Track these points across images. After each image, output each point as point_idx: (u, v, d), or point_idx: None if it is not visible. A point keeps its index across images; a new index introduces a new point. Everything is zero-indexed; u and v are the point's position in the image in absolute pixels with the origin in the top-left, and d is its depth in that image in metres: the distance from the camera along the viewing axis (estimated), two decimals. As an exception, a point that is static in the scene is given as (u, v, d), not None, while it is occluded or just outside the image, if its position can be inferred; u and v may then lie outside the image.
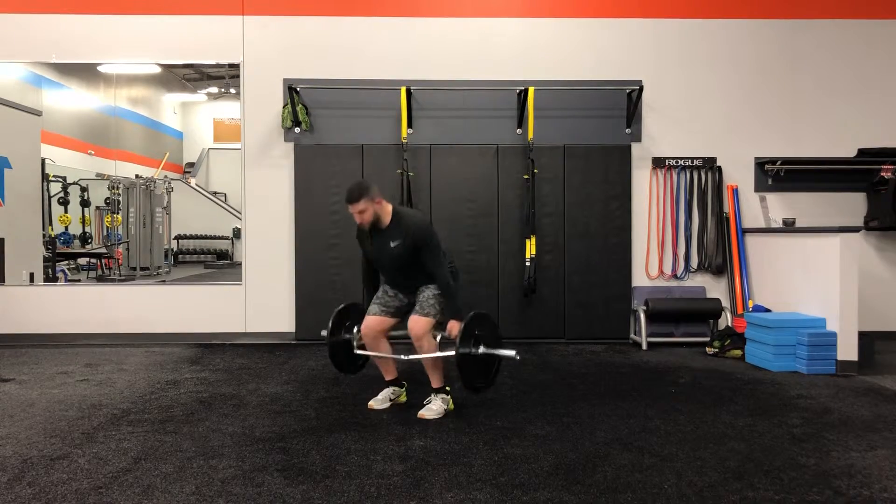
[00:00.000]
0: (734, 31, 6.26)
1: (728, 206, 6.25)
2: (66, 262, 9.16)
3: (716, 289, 6.22)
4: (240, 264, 6.30)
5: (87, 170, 11.23)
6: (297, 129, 6.06)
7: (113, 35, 6.12)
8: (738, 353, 5.39)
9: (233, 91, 14.45)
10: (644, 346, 5.77)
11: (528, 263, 5.93)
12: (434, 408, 3.76)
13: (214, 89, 15.51)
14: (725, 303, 6.10)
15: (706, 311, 5.98)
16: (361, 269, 4.11)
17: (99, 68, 11.38)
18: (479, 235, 6.06)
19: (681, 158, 6.23)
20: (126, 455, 3.11)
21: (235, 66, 6.21)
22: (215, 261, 13.27)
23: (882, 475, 2.91)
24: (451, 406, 3.85)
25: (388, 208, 3.79)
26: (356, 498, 2.64)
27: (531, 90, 5.91)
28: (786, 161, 6.15)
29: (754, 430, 3.51)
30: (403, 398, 4.02)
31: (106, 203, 10.84)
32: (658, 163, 6.23)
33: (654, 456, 3.11)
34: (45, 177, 8.28)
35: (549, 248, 6.08)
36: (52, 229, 9.32)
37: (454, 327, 3.66)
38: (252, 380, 4.61)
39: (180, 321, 6.10)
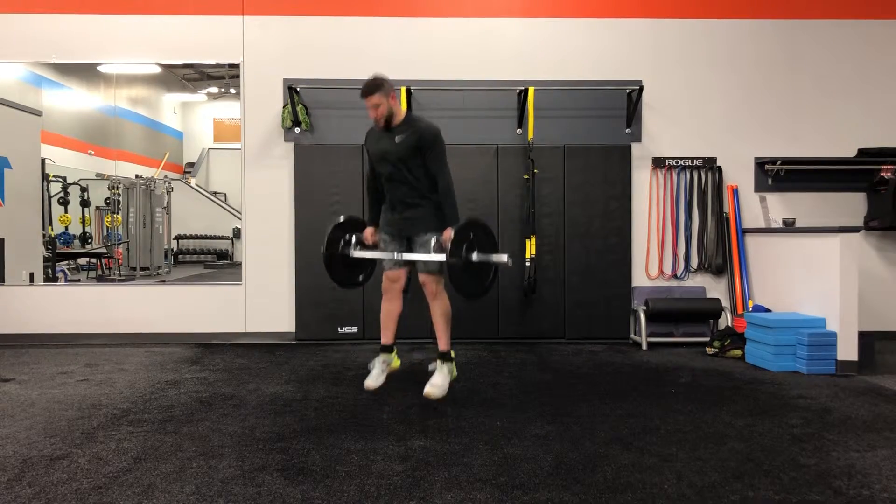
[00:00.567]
0: (734, 31, 6.26)
1: (728, 206, 6.25)
2: (66, 262, 9.16)
3: (716, 289, 6.23)
4: (240, 264, 6.30)
5: (87, 170, 11.24)
6: (297, 129, 6.06)
7: (113, 35, 6.12)
8: (738, 353, 5.39)
9: (233, 91, 14.46)
10: (644, 346, 5.77)
11: (528, 263, 5.94)
12: (438, 382, 3.77)
13: (214, 89, 15.52)
14: (725, 303, 6.10)
15: (706, 311, 5.98)
16: (364, 184, 4.10)
17: (99, 68, 11.39)
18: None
19: (681, 158, 6.24)
20: (126, 455, 3.11)
21: (235, 66, 6.21)
22: (215, 261, 13.28)
23: (882, 475, 2.91)
24: (455, 374, 3.88)
25: (402, 109, 3.86)
26: (356, 498, 2.64)
27: (531, 90, 5.91)
28: (786, 161, 6.16)
29: (754, 430, 3.51)
30: (396, 363, 4.08)
31: (106, 203, 10.85)
32: (658, 163, 6.23)
33: (654, 456, 3.11)
34: (45, 177, 8.28)
35: (549, 248, 6.08)
36: (52, 229, 9.32)
37: (448, 232, 3.64)
38: (252, 380, 4.61)
39: (180, 321, 6.10)
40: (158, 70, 12.82)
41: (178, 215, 12.59)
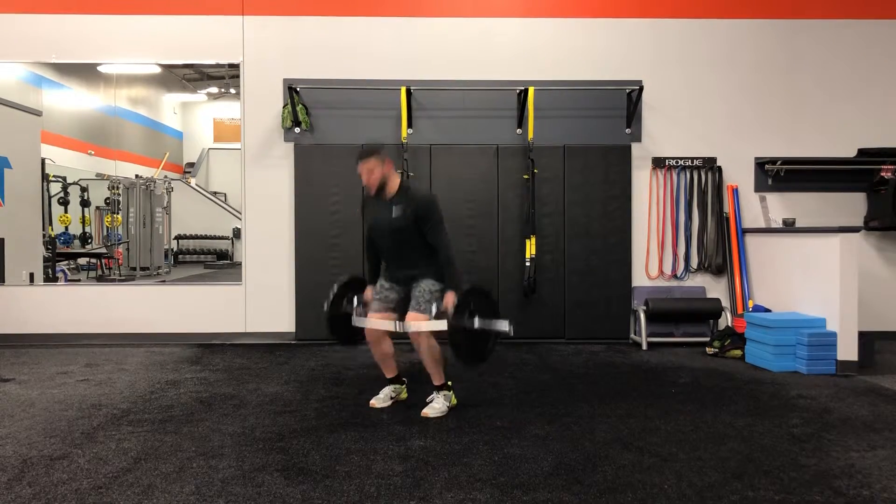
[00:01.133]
0: (734, 31, 6.26)
1: (728, 206, 6.25)
2: (66, 262, 9.17)
3: (716, 289, 6.23)
4: (240, 264, 6.30)
5: (87, 170, 11.25)
6: (297, 129, 6.06)
7: (113, 35, 6.12)
8: (738, 353, 5.39)
9: (233, 91, 14.49)
10: (644, 346, 5.77)
11: (527, 263, 5.94)
12: (436, 406, 3.76)
13: (214, 89, 15.54)
14: (725, 303, 6.10)
15: (706, 311, 5.98)
16: (364, 246, 4.07)
17: (99, 68, 11.41)
18: (479, 235, 6.05)
19: (681, 158, 6.23)
20: (126, 455, 3.11)
21: (235, 66, 6.21)
22: (215, 261, 13.29)
23: (882, 475, 2.91)
24: (454, 401, 3.85)
25: (396, 178, 3.82)
26: (356, 498, 2.64)
27: (531, 90, 5.91)
28: (786, 161, 6.16)
29: (754, 430, 3.51)
30: (404, 395, 4.03)
31: (106, 203, 10.85)
32: (658, 163, 6.23)
33: (654, 456, 3.11)
34: (45, 177, 8.29)
35: (549, 248, 6.08)
36: (52, 229, 9.33)
37: (450, 298, 3.62)
38: (252, 380, 4.61)
39: (180, 321, 6.10)
40: (158, 70, 12.85)
41: (178, 215, 12.60)
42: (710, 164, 6.24)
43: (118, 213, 10.74)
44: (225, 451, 3.15)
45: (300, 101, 6.03)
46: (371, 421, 3.64)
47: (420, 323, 3.66)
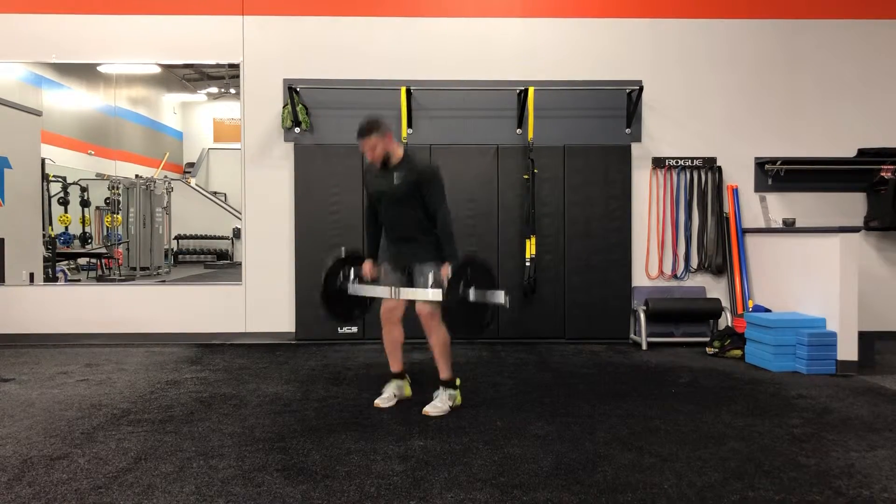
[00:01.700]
0: (734, 31, 6.26)
1: (728, 206, 6.25)
2: (66, 262, 9.17)
3: (716, 289, 6.23)
4: (240, 264, 6.30)
5: (87, 170, 11.25)
6: (297, 129, 6.06)
7: (113, 35, 6.12)
8: (738, 353, 5.39)
9: (233, 91, 14.48)
10: (644, 346, 5.77)
11: (528, 263, 5.94)
12: (438, 404, 3.76)
13: (214, 89, 15.53)
14: (725, 303, 6.09)
15: (706, 311, 5.98)
16: (364, 219, 4.09)
17: (99, 68, 11.41)
18: (479, 235, 6.05)
19: (681, 158, 6.23)
20: (126, 455, 3.11)
21: (235, 66, 6.21)
22: (215, 261, 13.30)
23: (882, 475, 2.91)
24: (459, 401, 3.85)
25: (399, 149, 3.84)
26: (356, 498, 2.64)
27: (531, 90, 5.91)
28: (786, 161, 6.16)
29: (754, 430, 3.51)
30: (408, 391, 4.04)
31: (106, 203, 10.86)
32: (658, 163, 6.23)
33: (654, 456, 3.11)
34: (45, 177, 8.29)
35: (549, 248, 6.08)
36: (52, 229, 9.32)
37: (446, 269, 3.63)
38: (252, 380, 4.61)
39: (180, 321, 6.10)
40: (158, 70, 12.84)
41: (178, 215, 12.60)
42: (710, 164, 6.24)
43: (118, 213, 10.74)
44: (225, 451, 3.15)
45: (300, 101, 6.03)
46: (371, 421, 3.64)
47: (416, 291, 3.68)
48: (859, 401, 4.12)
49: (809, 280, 5.24)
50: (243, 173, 6.16)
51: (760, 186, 6.29)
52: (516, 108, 6.13)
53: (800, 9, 6.28)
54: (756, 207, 6.30)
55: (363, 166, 4.03)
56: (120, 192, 10.74)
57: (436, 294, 3.59)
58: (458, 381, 3.89)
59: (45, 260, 7.41)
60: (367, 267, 3.98)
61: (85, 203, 10.48)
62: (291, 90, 5.91)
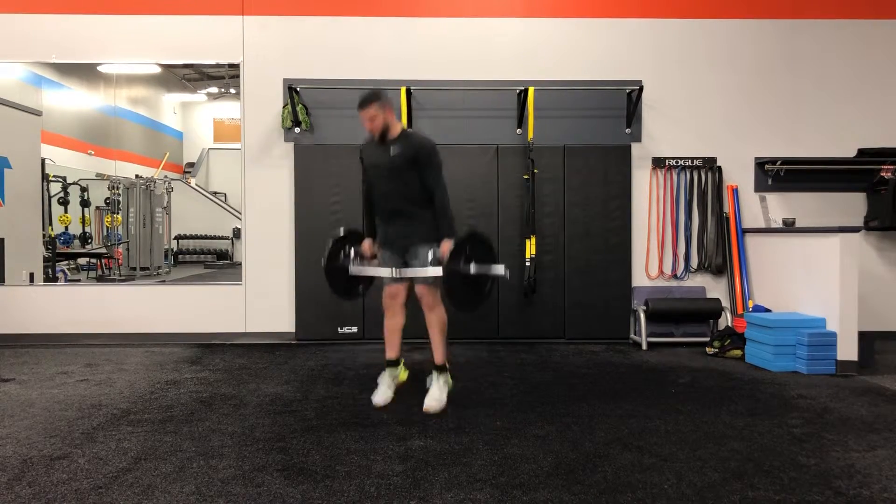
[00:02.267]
0: (734, 31, 6.26)
1: (728, 206, 6.25)
2: (66, 262, 9.18)
3: (716, 289, 6.23)
4: (240, 264, 6.30)
5: (87, 170, 11.26)
6: (297, 129, 6.06)
7: (113, 35, 6.12)
8: (737, 353, 5.39)
9: (233, 91, 14.49)
10: (644, 346, 5.77)
11: (528, 263, 5.94)
12: (436, 394, 3.78)
13: (214, 89, 15.54)
14: (725, 303, 6.10)
15: (706, 311, 5.98)
16: (362, 197, 4.12)
17: (99, 68, 11.42)
18: (479, 235, 6.05)
19: (681, 158, 6.23)
20: (126, 455, 3.11)
21: (235, 66, 6.21)
22: (215, 261, 13.30)
23: (882, 475, 2.91)
24: (451, 383, 3.89)
25: (398, 124, 3.87)
26: (356, 498, 2.65)
27: (531, 90, 5.91)
28: (786, 161, 6.16)
29: (754, 430, 3.51)
30: (403, 376, 4.06)
31: (106, 203, 10.86)
32: (658, 163, 6.23)
33: (654, 456, 3.11)
34: (45, 177, 8.29)
35: (549, 248, 6.08)
36: (52, 229, 9.32)
37: (446, 246, 3.65)
38: (252, 380, 4.61)
39: (180, 321, 6.10)
40: (158, 70, 12.85)
41: (178, 215, 12.60)
42: (709, 164, 6.24)
43: (118, 213, 10.74)
44: (225, 451, 3.15)
45: (300, 101, 6.03)
46: (371, 421, 3.64)
47: (416, 269, 3.71)
48: (859, 401, 4.13)
49: (809, 280, 5.24)
50: (243, 173, 6.16)
51: (760, 186, 6.29)
52: (516, 108, 6.14)
53: (800, 9, 6.28)
54: (756, 207, 6.31)
55: (361, 152, 4.02)
56: (120, 192, 10.74)
57: (436, 271, 3.62)
58: (447, 366, 3.94)
59: (45, 260, 7.41)
60: (367, 245, 4.00)
61: (85, 203, 10.49)
62: (291, 90, 5.92)
